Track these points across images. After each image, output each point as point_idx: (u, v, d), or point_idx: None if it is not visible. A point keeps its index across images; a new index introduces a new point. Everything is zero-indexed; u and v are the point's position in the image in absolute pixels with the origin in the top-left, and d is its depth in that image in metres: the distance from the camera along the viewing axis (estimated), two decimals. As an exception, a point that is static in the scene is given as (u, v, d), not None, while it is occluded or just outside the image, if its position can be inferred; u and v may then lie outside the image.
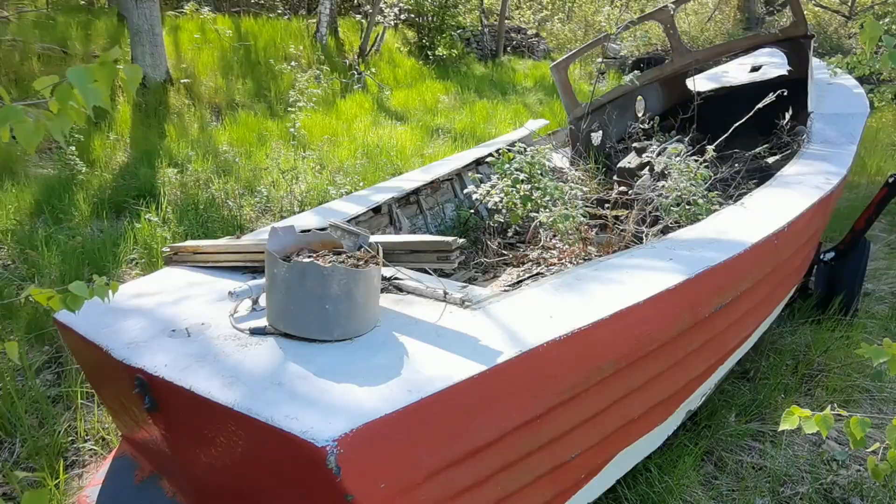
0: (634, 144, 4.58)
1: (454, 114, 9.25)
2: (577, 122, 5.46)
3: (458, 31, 13.56)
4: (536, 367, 1.77)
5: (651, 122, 4.91)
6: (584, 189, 3.85)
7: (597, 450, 2.09)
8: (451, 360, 1.70)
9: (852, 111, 4.49)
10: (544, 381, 1.81)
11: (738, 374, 3.45)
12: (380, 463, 1.49)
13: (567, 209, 3.64)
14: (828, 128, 4.22)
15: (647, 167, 4.24)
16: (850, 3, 14.67)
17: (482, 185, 3.95)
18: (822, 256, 3.93)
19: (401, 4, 11.80)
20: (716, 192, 3.61)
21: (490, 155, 4.46)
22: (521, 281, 3.66)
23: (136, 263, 4.39)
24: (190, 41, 9.23)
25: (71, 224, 4.81)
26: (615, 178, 4.40)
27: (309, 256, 2.05)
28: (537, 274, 3.73)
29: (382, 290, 2.11)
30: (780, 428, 1.65)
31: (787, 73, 5.82)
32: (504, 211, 3.91)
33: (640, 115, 6.00)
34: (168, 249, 2.66)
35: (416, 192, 4.17)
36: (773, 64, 6.35)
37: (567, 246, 3.92)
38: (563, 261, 3.89)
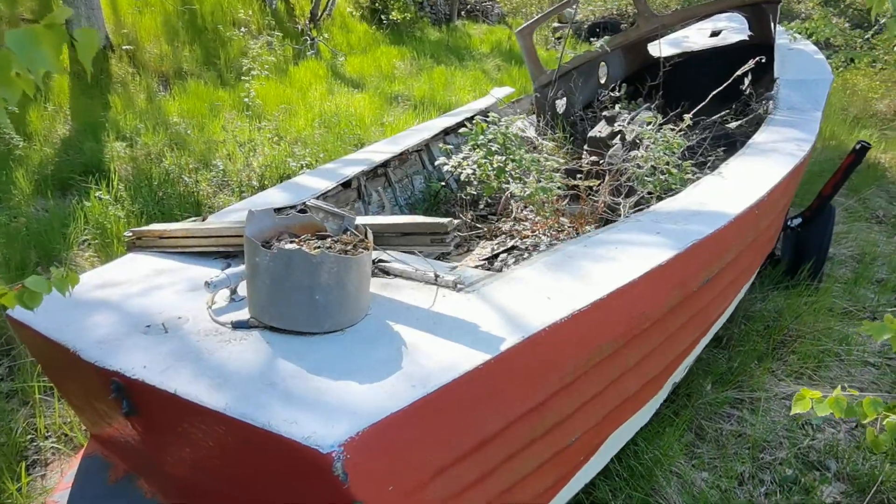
0: (604, 113, 4.52)
1: (412, 80, 9.01)
2: (542, 89, 5.36)
3: (412, -6, 13.16)
4: (540, 353, 1.71)
5: (620, 90, 4.85)
6: (560, 160, 3.78)
7: (594, 431, 2.07)
8: (453, 350, 1.62)
9: (816, 77, 4.54)
10: (547, 366, 1.75)
11: (713, 342, 3.50)
12: (387, 465, 1.41)
13: (542, 181, 3.57)
14: (793, 94, 4.25)
15: (619, 136, 4.19)
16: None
17: (453, 157, 3.84)
18: (789, 223, 4.00)
19: (352, -35, 11.34)
20: (689, 161, 3.60)
21: (462, 125, 4.33)
22: (496, 255, 3.60)
23: (89, 245, 4.12)
24: (130, 4, 8.65)
25: (11, 204, 4.47)
26: (586, 147, 4.35)
27: (291, 241, 1.92)
28: (512, 247, 3.67)
29: (369, 275, 2.00)
30: (793, 412, 1.64)
31: (747, 38, 5.84)
32: (476, 183, 3.81)
33: (602, 81, 5.95)
34: (130, 234, 2.46)
35: (385, 164, 4.03)
36: (732, 29, 6.37)
37: (539, 218, 3.87)
38: (537, 232, 3.85)
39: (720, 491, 2.62)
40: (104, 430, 2.07)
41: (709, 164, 3.78)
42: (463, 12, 14.60)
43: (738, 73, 3.94)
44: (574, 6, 6.09)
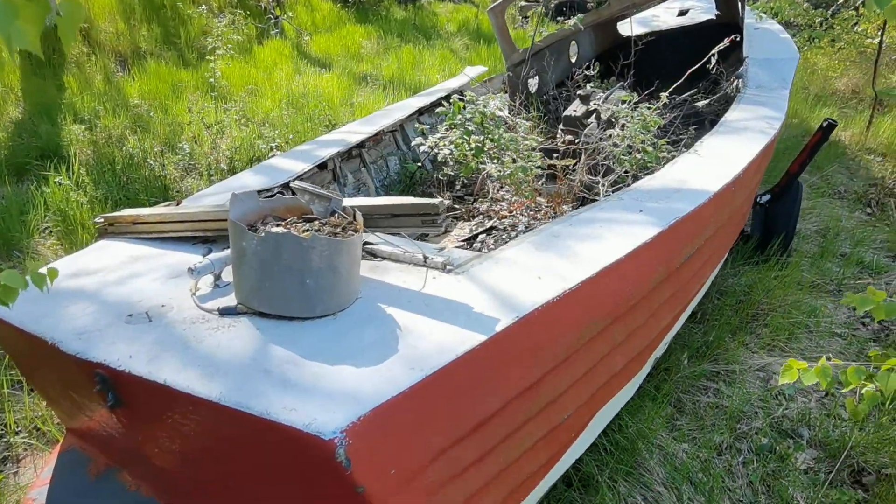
0: (579, 92, 4.52)
1: (379, 60, 8.87)
2: (514, 68, 5.33)
3: (376, -29, 12.90)
4: (534, 332, 1.71)
5: (593, 69, 4.86)
6: (539, 140, 3.77)
7: (585, 408, 2.09)
8: (449, 332, 1.60)
9: (783, 56, 4.61)
10: (541, 345, 1.75)
11: (689, 318, 3.57)
12: (389, 449, 1.39)
13: (519, 160, 3.56)
14: (761, 72, 4.32)
15: (594, 115, 4.20)
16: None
17: (429, 137, 3.79)
18: (758, 200, 4.08)
19: (315, -59, 11.04)
20: (664, 139, 3.63)
21: (437, 105, 4.28)
22: (475, 236, 3.59)
23: (51, 233, 3.96)
24: (81, -21, 8.27)
25: (-36, 191, 4.27)
26: (561, 126, 4.35)
27: (277, 225, 1.87)
28: (491, 228, 3.66)
29: (357, 258, 1.96)
30: (780, 381, 1.68)
31: (714, 18, 5.90)
32: (452, 163, 3.78)
33: (573, 60, 5.95)
34: (102, 220, 2.37)
35: (360, 145, 3.96)
36: (699, 8, 6.43)
37: (516, 198, 3.87)
38: (514, 213, 3.84)
39: (700, 461, 2.69)
40: (83, 423, 2.01)
41: (683, 143, 3.82)
42: (428, -10, 14.39)
43: (715, 50, 3.98)
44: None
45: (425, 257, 1.95)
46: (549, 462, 2.01)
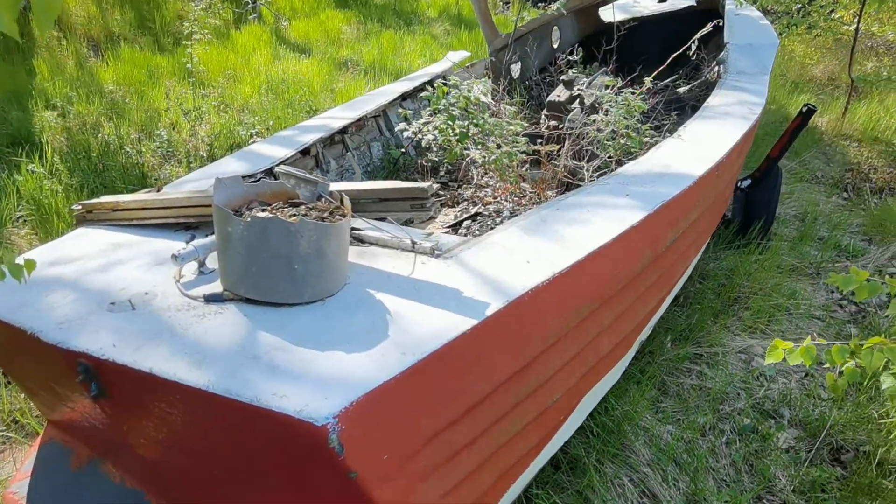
0: (562, 77, 4.51)
1: (360, 45, 8.77)
2: (497, 53, 5.30)
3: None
4: (524, 316, 1.71)
5: (576, 54, 4.85)
6: (525, 125, 3.76)
7: (573, 391, 2.10)
8: (439, 317, 1.59)
9: (763, 42, 4.64)
10: (531, 329, 1.75)
11: (672, 302, 3.60)
12: (382, 434, 1.38)
13: (503, 146, 3.54)
14: (742, 58, 4.35)
15: (578, 100, 4.20)
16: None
17: (413, 122, 3.76)
18: (739, 184, 4.12)
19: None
20: (647, 125, 3.64)
21: (423, 89, 4.24)
22: (460, 222, 3.58)
23: (25, 222, 3.87)
24: (50, -39, 8.02)
25: (-67, 179, 4.14)
26: (545, 112, 4.34)
27: (263, 209, 1.84)
28: (475, 214, 3.65)
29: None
30: (767, 361, 1.70)
31: (695, 4, 5.92)
32: (436, 149, 3.75)
33: (555, 45, 5.93)
34: (80, 207, 2.31)
35: (342, 130, 3.91)
36: None
37: (500, 184, 3.86)
38: (499, 199, 3.84)
39: (684, 442, 2.73)
40: (64, 414, 1.96)
41: (667, 128, 3.83)
42: (408, -25, 14.22)
43: (698, 35, 3.99)
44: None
45: (413, 242, 1.93)
46: (539, 445, 2.02)
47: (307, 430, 1.25)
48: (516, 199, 3.78)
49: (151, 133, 5.01)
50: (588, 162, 3.55)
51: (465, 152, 3.61)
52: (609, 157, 3.51)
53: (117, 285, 1.79)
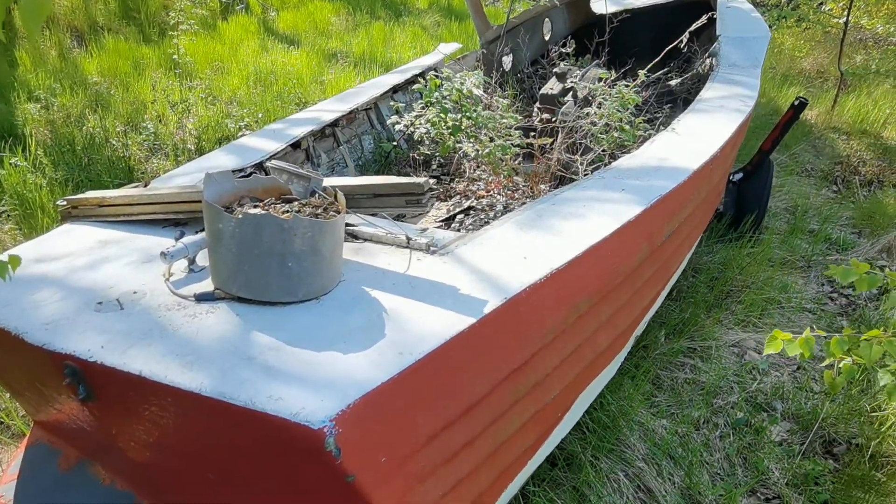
0: (555, 70, 4.47)
1: (349, 37, 8.68)
2: (489, 45, 5.25)
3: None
4: (522, 313, 1.68)
5: (569, 46, 4.81)
6: (518, 118, 3.72)
7: (571, 387, 2.08)
8: (436, 315, 1.56)
9: (755, 35, 4.63)
10: (529, 326, 1.73)
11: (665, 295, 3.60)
12: (379, 436, 1.35)
13: (496, 139, 3.51)
14: (734, 51, 4.33)
15: (571, 93, 4.17)
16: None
17: (405, 115, 3.71)
18: (731, 178, 4.11)
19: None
20: (640, 118, 3.62)
21: (414, 81, 4.19)
22: (453, 216, 3.54)
23: (9, 217, 3.79)
24: (31, -50, 7.85)
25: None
26: (537, 105, 4.30)
27: (255, 206, 1.79)
28: (469, 208, 3.62)
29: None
30: (765, 352, 1.70)
31: (686, -4, 5.89)
32: (428, 142, 3.71)
33: (546, 37, 5.89)
34: (65, 202, 2.25)
35: (333, 123, 3.86)
36: None
37: (493, 177, 3.83)
38: (492, 192, 3.81)
39: (679, 436, 2.72)
40: (52, 415, 1.92)
41: (660, 121, 3.82)
42: (396, -34, 14.09)
43: (693, 28, 3.97)
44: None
45: (408, 238, 1.89)
46: (537, 442, 2.00)
47: (304, 433, 1.22)
48: (509, 192, 3.75)
49: (137, 125, 4.92)
50: (581, 155, 3.53)
51: (458, 145, 3.57)
52: (603, 150, 3.49)
53: (105, 284, 1.75)
